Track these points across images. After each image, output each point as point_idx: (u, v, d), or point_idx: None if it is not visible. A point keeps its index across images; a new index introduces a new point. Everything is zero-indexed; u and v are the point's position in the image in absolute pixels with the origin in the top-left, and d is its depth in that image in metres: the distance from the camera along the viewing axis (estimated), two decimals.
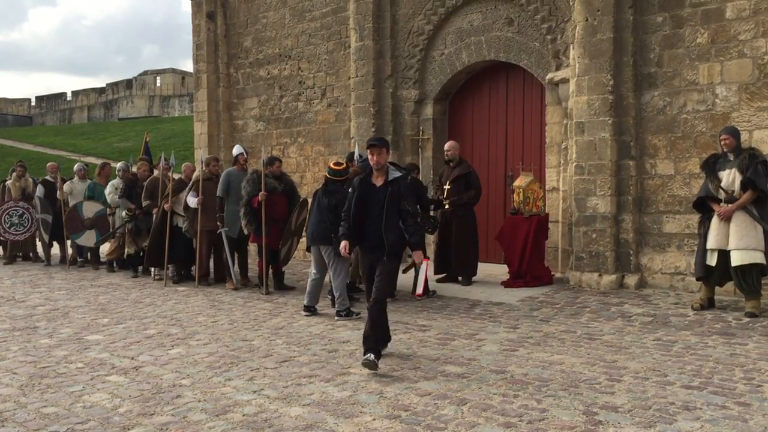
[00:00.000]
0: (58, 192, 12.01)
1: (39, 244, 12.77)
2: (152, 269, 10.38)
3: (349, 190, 5.81)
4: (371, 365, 5.08)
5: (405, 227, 5.47)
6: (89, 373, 5.33)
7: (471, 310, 7.55)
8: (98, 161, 15.54)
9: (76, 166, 12.76)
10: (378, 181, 5.58)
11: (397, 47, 11.17)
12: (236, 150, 9.65)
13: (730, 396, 4.50)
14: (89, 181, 12.13)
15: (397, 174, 5.59)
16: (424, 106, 11.13)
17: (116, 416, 4.35)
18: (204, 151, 13.56)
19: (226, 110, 14.13)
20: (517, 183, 9.10)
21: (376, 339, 5.28)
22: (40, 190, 12.22)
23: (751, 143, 7.51)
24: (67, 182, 12.13)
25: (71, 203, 11.64)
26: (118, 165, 11.60)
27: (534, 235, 8.74)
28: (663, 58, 8.33)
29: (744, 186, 6.83)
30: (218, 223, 9.19)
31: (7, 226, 12.19)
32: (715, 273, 7.06)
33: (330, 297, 7.62)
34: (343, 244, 5.70)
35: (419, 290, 5.85)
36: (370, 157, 5.54)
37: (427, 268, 5.74)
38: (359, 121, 11.35)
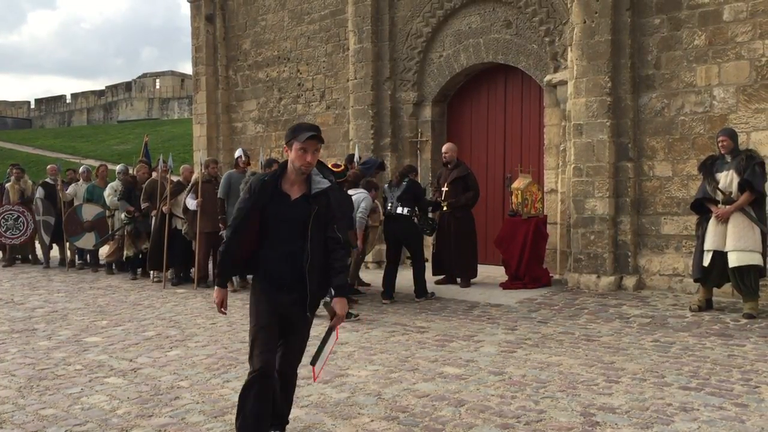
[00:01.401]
0: (60, 194, 12.01)
1: (38, 246, 12.78)
2: (151, 271, 10.39)
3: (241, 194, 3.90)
4: None
5: (331, 260, 3.75)
6: (88, 375, 5.34)
7: (469, 311, 7.56)
8: (97, 164, 15.54)
9: (81, 168, 12.80)
10: (294, 191, 3.69)
11: (395, 49, 11.18)
12: (238, 153, 9.69)
13: (727, 397, 4.51)
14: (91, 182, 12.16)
15: (325, 184, 3.73)
16: (422, 108, 11.14)
17: (115, 418, 4.36)
18: (203, 153, 13.55)
19: (225, 112, 14.13)
20: (515, 185, 9.10)
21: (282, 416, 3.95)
22: (40, 192, 12.23)
23: (748, 145, 7.53)
24: (72, 185, 12.16)
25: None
26: (118, 167, 11.61)
27: (532, 237, 8.75)
28: (661, 60, 8.34)
29: (741, 187, 6.85)
30: (220, 225, 9.20)
31: (3, 229, 12.21)
32: (713, 274, 7.07)
33: (330, 298, 7.59)
34: (217, 296, 3.99)
35: (319, 366, 3.77)
36: (302, 154, 3.64)
37: (336, 337, 3.94)
38: (358, 123, 11.37)
